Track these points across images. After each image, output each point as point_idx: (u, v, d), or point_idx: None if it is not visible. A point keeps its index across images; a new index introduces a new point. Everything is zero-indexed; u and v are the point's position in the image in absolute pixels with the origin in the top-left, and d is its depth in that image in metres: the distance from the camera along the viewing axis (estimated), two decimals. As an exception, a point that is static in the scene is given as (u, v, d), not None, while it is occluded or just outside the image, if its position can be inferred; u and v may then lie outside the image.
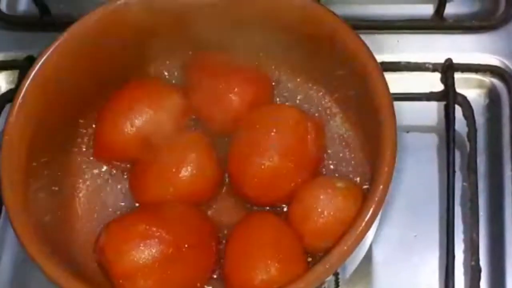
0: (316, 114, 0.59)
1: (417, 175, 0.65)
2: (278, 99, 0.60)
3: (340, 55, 0.56)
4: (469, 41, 0.70)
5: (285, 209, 0.57)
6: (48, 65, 0.56)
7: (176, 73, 0.61)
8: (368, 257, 0.62)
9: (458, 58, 0.68)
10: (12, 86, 0.70)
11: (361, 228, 0.50)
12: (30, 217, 0.52)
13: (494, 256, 0.62)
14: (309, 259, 0.55)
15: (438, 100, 0.67)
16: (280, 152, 0.55)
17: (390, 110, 0.53)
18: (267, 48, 0.60)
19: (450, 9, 0.70)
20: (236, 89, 0.58)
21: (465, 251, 0.62)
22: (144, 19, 0.58)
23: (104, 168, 0.60)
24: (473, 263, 0.61)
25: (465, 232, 0.63)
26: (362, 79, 0.55)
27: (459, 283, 0.61)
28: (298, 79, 0.61)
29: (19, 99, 0.55)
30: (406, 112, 0.63)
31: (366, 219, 0.50)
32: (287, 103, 0.60)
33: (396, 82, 0.64)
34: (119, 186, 0.59)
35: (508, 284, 0.61)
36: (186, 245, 0.53)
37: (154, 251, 0.52)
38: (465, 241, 0.63)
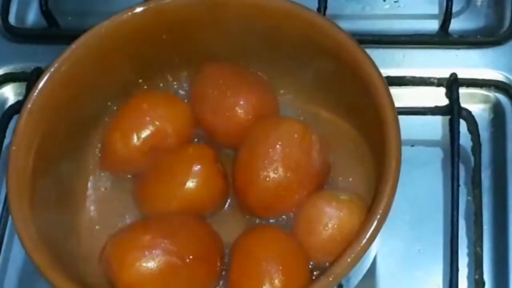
0: (320, 127, 0.59)
1: (421, 189, 0.65)
2: (282, 113, 0.61)
3: (346, 70, 0.56)
4: (474, 56, 0.70)
5: (289, 222, 0.57)
6: (56, 77, 0.57)
7: (182, 86, 0.62)
8: (372, 270, 0.62)
9: (463, 73, 0.68)
10: (20, 97, 0.70)
11: (365, 240, 0.50)
12: (36, 226, 0.52)
13: (498, 269, 0.62)
14: (313, 271, 0.55)
15: (442, 114, 0.67)
16: (285, 165, 0.55)
17: (395, 124, 0.53)
18: (272, 62, 0.60)
19: (455, 25, 0.71)
20: (241, 102, 0.58)
21: (469, 265, 0.62)
22: (150, 31, 0.58)
23: (110, 179, 0.60)
24: (477, 276, 0.62)
25: (469, 245, 0.63)
26: (367, 93, 0.55)
27: (463, 297, 0.61)
28: (303, 93, 0.61)
29: (26, 111, 0.56)
30: (411, 126, 0.63)
31: (370, 231, 0.50)
32: (291, 117, 0.60)
33: (401, 97, 0.64)
34: (124, 197, 0.59)
35: (512, 298, 0.61)
36: (190, 256, 0.53)
37: (158, 261, 0.52)
38: (469, 254, 0.63)
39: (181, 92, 0.62)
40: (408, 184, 0.62)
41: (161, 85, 0.62)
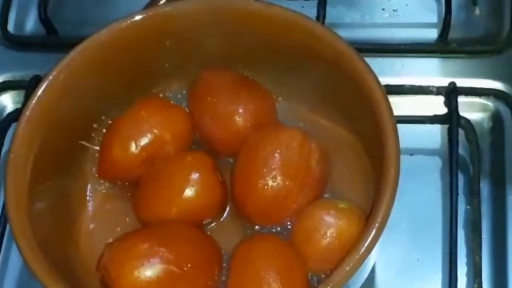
0: (319, 136, 0.59)
1: (420, 197, 0.65)
2: (281, 121, 0.61)
3: (345, 78, 0.56)
4: (473, 65, 0.70)
5: (288, 230, 0.57)
6: (54, 85, 0.56)
7: (180, 93, 0.62)
8: (371, 279, 0.62)
9: (462, 82, 0.68)
10: (19, 105, 0.70)
11: (363, 249, 0.50)
12: (34, 234, 0.52)
13: (497, 279, 0.62)
14: (312, 280, 0.55)
15: (441, 123, 0.67)
16: (283, 173, 0.55)
17: (394, 133, 0.53)
18: (271, 69, 0.60)
19: (454, 34, 0.71)
20: (240, 110, 0.58)
21: (468, 274, 0.62)
22: (149, 39, 0.58)
23: (108, 187, 0.60)
24: (476, 286, 0.61)
25: (468, 255, 0.63)
26: (366, 101, 0.55)
27: (462, 306, 0.61)
28: (302, 101, 0.61)
29: (25, 119, 0.56)
30: (410, 135, 0.63)
31: (369, 240, 0.50)
32: (290, 125, 0.60)
33: (400, 105, 0.64)
34: (122, 205, 0.59)
35: (511, 307, 0.61)
36: (188, 265, 0.53)
37: (156, 269, 0.52)
38: (468, 264, 0.63)
39: (180, 99, 0.62)
40: (407, 193, 0.61)
41: (159, 92, 0.61)
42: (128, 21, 0.58)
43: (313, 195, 0.57)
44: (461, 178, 0.65)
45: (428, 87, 0.69)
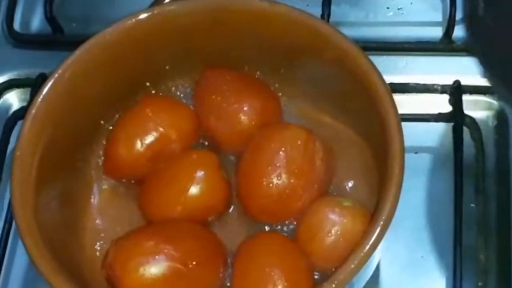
0: (323, 134, 0.59)
1: (424, 195, 0.65)
2: (286, 119, 0.61)
3: (349, 76, 0.56)
4: (477, 63, 0.70)
5: (292, 228, 0.57)
6: (59, 83, 0.57)
7: (186, 91, 0.62)
8: (376, 277, 0.62)
9: (466, 80, 0.68)
10: (24, 103, 0.70)
11: (368, 247, 0.50)
12: (40, 232, 0.52)
13: (502, 277, 0.62)
14: (316, 278, 0.55)
15: (446, 121, 0.67)
16: (288, 171, 0.56)
17: (398, 131, 0.53)
18: (276, 68, 0.60)
19: (458, 32, 0.71)
20: (245, 108, 0.58)
21: (472, 272, 0.62)
22: (154, 38, 0.58)
23: (114, 184, 0.60)
24: (480, 284, 0.62)
25: (472, 253, 0.63)
26: (370, 100, 0.55)
27: (466, 304, 0.61)
28: (307, 99, 0.61)
29: (30, 116, 0.56)
30: (414, 133, 0.63)
31: (374, 237, 0.50)
32: (295, 123, 0.60)
33: (405, 103, 0.64)
34: (128, 203, 0.59)
35: (515, 305, 0.61)
36: (193, 262, 0.53)
37: (161, 267, 0.52)
38: (473, 262, 0.63)
39: (185, 97, 0.62)
40: (412, 191, 0.62)
41: (164, 90, 0.62)
42: (134, 20, 0.58)
43: (318, 193, 0.57)
44: (465, 176, 0.65)
45: (432, 85, 0.69)
